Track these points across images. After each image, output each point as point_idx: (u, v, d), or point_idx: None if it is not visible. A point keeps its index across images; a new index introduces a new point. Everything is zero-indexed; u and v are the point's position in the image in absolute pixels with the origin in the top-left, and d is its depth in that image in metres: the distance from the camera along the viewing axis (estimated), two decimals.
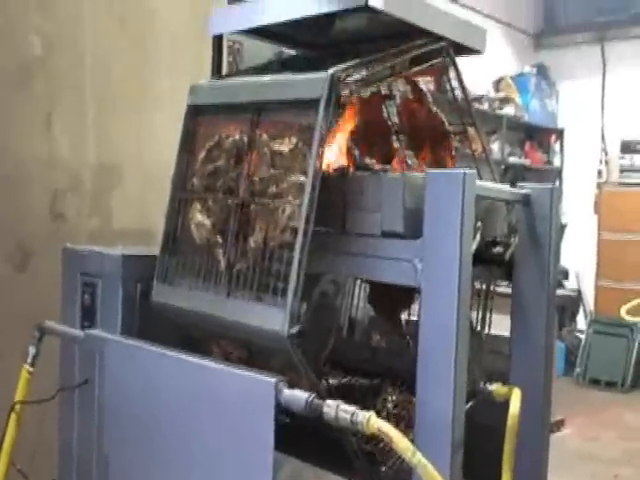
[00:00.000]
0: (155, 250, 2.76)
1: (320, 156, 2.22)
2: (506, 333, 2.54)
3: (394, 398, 2.63)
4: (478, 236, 2.17)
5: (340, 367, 2.91)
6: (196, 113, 2.66)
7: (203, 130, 2.62)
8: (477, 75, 8.78)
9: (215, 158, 2.55)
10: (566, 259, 9.36)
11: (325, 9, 2.46)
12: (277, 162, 2.34)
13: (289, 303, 2.19)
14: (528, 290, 2.47)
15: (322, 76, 2.24)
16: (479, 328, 2.55)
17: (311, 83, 2.27)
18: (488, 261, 2.41)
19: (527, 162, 10.24)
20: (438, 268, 2.10)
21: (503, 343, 2.58)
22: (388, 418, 2.51)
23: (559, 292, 9.07)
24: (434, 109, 2.72)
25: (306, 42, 2.88)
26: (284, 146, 2.33)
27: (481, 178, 2.57)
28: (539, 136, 10.58)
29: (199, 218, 2.55)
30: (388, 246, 2.24)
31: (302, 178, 2.25)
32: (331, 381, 2.81)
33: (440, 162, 2.74)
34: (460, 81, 2.68)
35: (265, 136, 2.40)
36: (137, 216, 4.02)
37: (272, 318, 2.23)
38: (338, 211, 2.36)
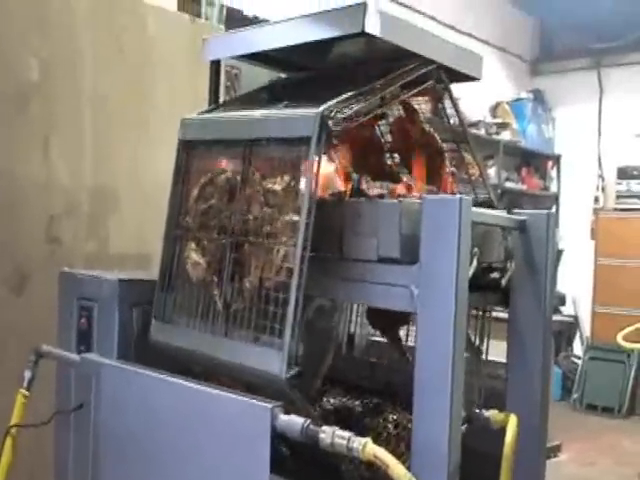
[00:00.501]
0: (152, 274, 2.76)
1: (313, 195, 2.21)
2: (502, 359, 2.54)
3: (394, 417, 2.62)
4: (475, 262, 2.17)
5: (339, 384, 2.91)
6: (188, 148, 2.66)
7: (195, 165, 2.62)
8: (474, 100, 8.82)
9: (208, 196, 2.55)
10: (563, 284, 9.36)
11: (323, 35, 2.47)
12: (270, 200, 2.34)
13: (286, 345, 2.20)
14: (524, 316, 2.47)
15: (312, 114, 2.23)
16: (477, 354, 2.55)
17: (301, 121, 2.27)
18: (485, 287, 2.41)
19: (524, 187, 10.27)
20: (434, 294, 2.10)
21: (500, 368, 2.58)
22: (388, 439, 2.51)
23: (556, 317, 9.06)
24: (427, 127, 2.73)
25: (301, 66, 2.89)
26: (277, 185, 2.33)
27: (479, 203, 2.59)
28: (536, 161, 10.61)
29: (194, 257, 2.55)
30: (385, 271, 2.24)
31: (295, 217, 2.25)
32: (331, 401, 2.80)
33: (435, 179, 2.75)
34: (455, 106, 2.69)
35: (258, 174, 2.40)
36: (134, 240, 4.02)
37: (270, 360, 2.23)
38: (335, 236, 2.36)
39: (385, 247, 2.23)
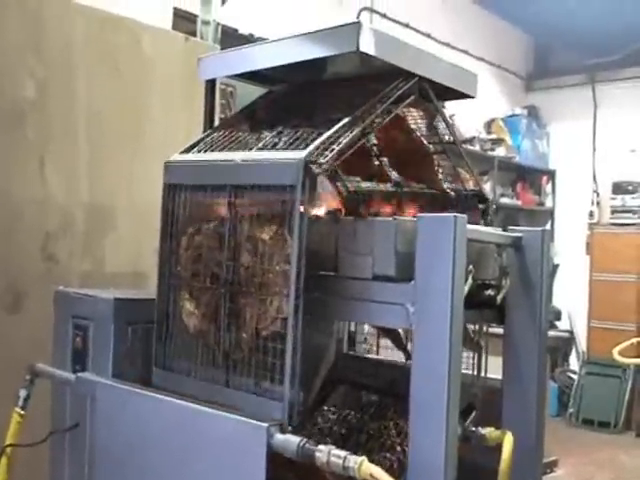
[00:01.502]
0: (148, 293, 2.76)
1: (301, 243, 2.20)
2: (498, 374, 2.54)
3: (398, 423, 2.61)
4: (470, 279, 2.17)
5: (341, 383, 2.91)
6: (173, 192, 2.62)
7: (183, 209, 2.59)
8: (469, 116, 8.86)
9: (198, 245, 2.54)
10: (558, 300, 9.36)
11: (317, 54, 2.49)
12: (259, 249, 2.33)
13: (286, 395, 2.20)
14: (520, 332, 2.48)
15: (295, 161, 2.21)
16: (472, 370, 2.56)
17: (285, 169, 2.24)
18: (480, 304, 2.42)
19: (519, 203, 10.29)
20: (430, 311, 2.11)
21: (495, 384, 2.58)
22: (393, 448, 2.52)
23: (551, 333, 9.07)
24: (412, 132, 2.75)
25: (295, 83, 2.89)
26: (264, 233, 2.32)
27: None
28: (531, 177, 10.63)
29: (188, 307, 2.54)
30: (380, 289, 2.24)
31: (286, 267, 2.24)
32: (331, 410, 2.80)
33: (424, 179, 2.77)
34: (446, 122, 2.71)
35: (245, 223, 2.39)
36: (130, 258, 4.02)
37: (270, 411, 2.23)
38: (330, 254, 2.36)
39: (380, 265, 2.24)
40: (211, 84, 3.06)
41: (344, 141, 2.30)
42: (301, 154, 2.22)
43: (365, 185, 2.96)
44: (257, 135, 2.55)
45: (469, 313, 2.23)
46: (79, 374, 2.81)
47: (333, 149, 2.26)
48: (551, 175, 10.75)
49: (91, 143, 3.89)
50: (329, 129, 2.32)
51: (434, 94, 2.62)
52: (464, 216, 2.12)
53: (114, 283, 3.67)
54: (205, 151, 2.63)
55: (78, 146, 3.85)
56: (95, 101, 3.91)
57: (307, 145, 2.27)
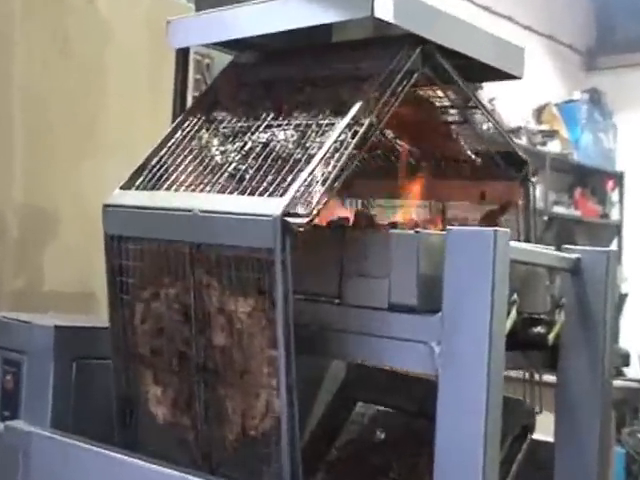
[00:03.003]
0: (100, 320, 2.76)
1: (287, 322, 2.18)
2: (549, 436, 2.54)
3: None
4: (513, 312, 2.17)
5: (365, 400, 2.94)
6: (117, 245, 2.58)
7: (133, 269, 2.56)
8: (513, 102, 8.86)
9: (157, 315, 2.52)
10: (627, 339, 9.35)
11: (327, 19, 2.51)
12: (236, 325, 2.32)
13: None
14: (577, 380, 2.46)
15: (270, 220, 2.16)
16: None
17: (256, 228, 2.20)
18: (526, 344, 2.41)
19: (577, 214, 10.31)
20: (461, 353, 2.09)
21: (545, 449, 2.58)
22: None
23: (617, 382, 9.04)
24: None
25: (282, 51, 2.85)
26: (240, 307, 2.29)
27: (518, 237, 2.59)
28: (592, 181, 10.66)
29: (154, 393, 2.55)
30: (397, 323, 2.24)
31: (272, 352, 2.23)
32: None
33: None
34: (482, 108, 2.72)
35: (214, 291, 2.36)
36: (76, 274, 4.01)
37: None
38: (333, 277, 2.36)
39: (398, 291, 2.24)
40: (183, 54, 3.05)
41: (338, 165, 2.26)
42: (277, 207, 2.16)
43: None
44: (222, 149, 2.53)
45: (512, 356, 2.21)
46: (8, 423, 2.82)
47: (327, 178, 2.22)
48: (618, 179, 10.79)
49: (29, 133, 3.88)
50: (319, 145, 2.31)
51: (469, 73, 2.64)
52: (507, 230, 2.11)
53: (56, 306, 3.66)
54: (153, 184, 2.57)
55: (12, 136, 3.84)
56: (36, 83, 3.91)
57: (286, 183, 2.23)
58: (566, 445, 2.48)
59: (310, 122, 2.40)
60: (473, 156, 2.81)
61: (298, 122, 2.43)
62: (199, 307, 2.39)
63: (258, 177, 2.33)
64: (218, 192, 2.40)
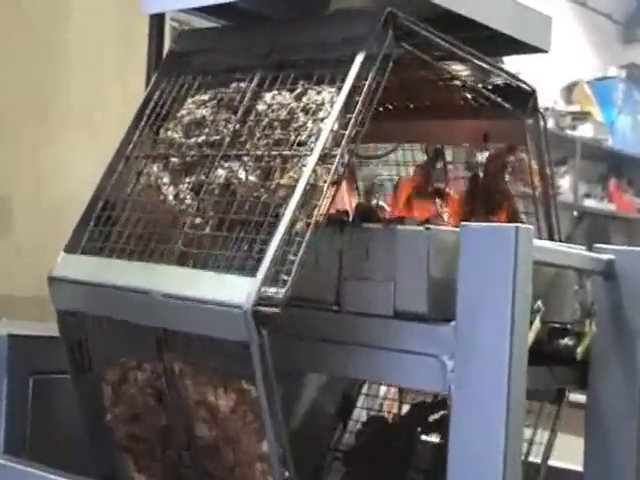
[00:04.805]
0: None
1: (275, 415, 2.15)
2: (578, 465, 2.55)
3: None
4: (537, 321, 2.18)
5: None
6: (71, 321, 2.56)
7: (94, 347, 2.56)
8: (540, 78, 8.87)
9: (130, 401, 2.51)
10: None
11: None
12: (219, 419, 2.32)
13: None
14: (610, 400, 2.48)
15: (239, 312, 2.09)
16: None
17: (228, 322, 2.14)
18: (552, 358, 2.42)
19: (612, 208, 10.31)
20: (477, 368, 2.10)
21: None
22: None
23: None
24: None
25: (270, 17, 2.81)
26: (221, 401, 2.27)
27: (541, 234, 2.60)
28: (629, 170, 10.67)
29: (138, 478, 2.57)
30: (404, 333, 2.24)
31: (263, 448, 2.22)
32: None
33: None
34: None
35: (188, 379, 2.35)
36: (32, 275, 4.00)
37: None
38: (330, 280, 2.37)
39: (405, 297, 2.25)
40: (158, 21, 3.05)
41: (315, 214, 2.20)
42: (247, 294, 2.09)
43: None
44: (174, 192, 2.42)
45: (535, 371, 2.22)
46: None
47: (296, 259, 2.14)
48: None
49: None
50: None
51: (487, 46, 2.64)
52: (530, 227, 2.12)
53: (9, 312, 3.67)
54: (101, 245, 2.51)
55: None
56: None
57: (254, 250, 2.18)
58: (597, 475, 2.49)
59: (273, 153, 2.31)
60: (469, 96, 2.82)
61: (259, 153, 2.34)
62: (174, 396, 2.40)
63: (221, 241, 2.26)
64: (177, 263, 2.33)
